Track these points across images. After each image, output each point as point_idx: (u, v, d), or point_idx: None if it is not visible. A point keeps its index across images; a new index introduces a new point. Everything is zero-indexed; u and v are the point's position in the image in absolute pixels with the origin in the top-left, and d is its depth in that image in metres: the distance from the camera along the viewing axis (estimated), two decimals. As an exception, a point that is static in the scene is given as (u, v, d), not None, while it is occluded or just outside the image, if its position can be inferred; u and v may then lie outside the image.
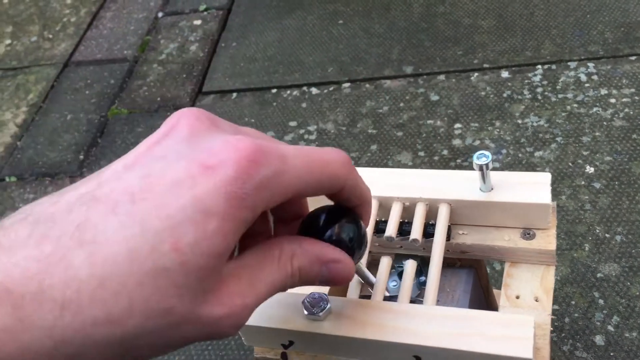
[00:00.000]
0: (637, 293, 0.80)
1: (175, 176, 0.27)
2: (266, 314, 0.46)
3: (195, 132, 0.29)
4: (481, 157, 0.47)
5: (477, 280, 0.57)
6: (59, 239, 0.25)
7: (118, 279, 0.25)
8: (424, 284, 0.53)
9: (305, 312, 0.44)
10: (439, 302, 0.53)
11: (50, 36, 1.64)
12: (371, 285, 0.46)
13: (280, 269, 0.31)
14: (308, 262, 0.32)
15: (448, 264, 0.56)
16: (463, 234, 0.51)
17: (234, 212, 0.27)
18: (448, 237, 0.50)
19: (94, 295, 0.25)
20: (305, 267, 0.32)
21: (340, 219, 0.35)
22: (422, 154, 1.06)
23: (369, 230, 0.51)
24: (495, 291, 0.65)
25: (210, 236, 0.26)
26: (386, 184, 0.52)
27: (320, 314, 0.43)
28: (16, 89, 1.50)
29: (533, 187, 0.48)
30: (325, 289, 0.51)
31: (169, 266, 0.26)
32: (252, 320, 0.46)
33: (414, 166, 1.05)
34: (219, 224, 0.26)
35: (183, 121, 0.30)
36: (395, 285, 0.53)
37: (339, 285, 0.35)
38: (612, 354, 0.75)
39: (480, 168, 0.47)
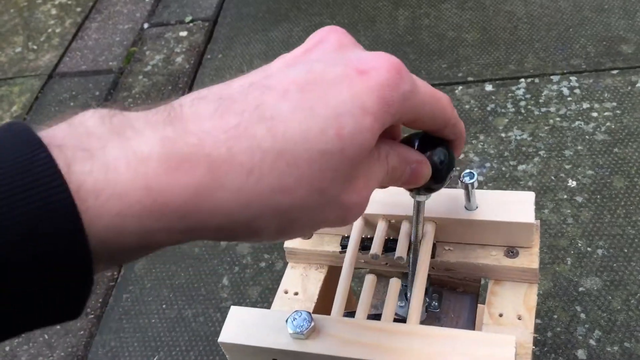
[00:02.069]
0: (619, 307, 0.81)
1: (334, 75, 0.30)
2: (250, 332, 0.46)
3: (343, 45, 0.33)
4: (467, 176, 0.48)
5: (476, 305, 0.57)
6: (242, 114, 0.28)
7: (293, 154, 0.28)
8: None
9: (290, 331, 0.44)
10: (442, 326, 0.53)
11: (35, 47, 1.63)
12: (417, 227, 0.48)
13: (381, 166, 0.34)
14: (399, 162, 0.35)
15: (450, 287, 0.56)
16: (448, 250, 0.51)
17: (382, 113, 0.30)
18: (433, 255, 0.51)
19: (274, 165, 0.28)
20: (397, 166, 0.35)
21: (437, 142, 0.38)
22: (407, 167, 1.07)
23: (354, 247, 0.51)
24: (479, 306, 0.66)
25: (364, 130, 0.29)
26: (372, 201, 0.52)
27: (304, 332, 0.43)
28: (0, 101, 1.49)
29: (517, 206, 0.49)
30: (309, 308, 0.51)
31: (332, 151, 0.29)
32: (237, 338, 0.46)
33: (399, 179, 1.05)
34: (371, 121, 0.29)
35: (331, 35, 0.33)
36: (401, 306, 0.53)
37: (416, 185, 0.38)
38: (594, 367, 0.76)
39: (466, 187, 0.48)
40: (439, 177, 0.39)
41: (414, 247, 0.49)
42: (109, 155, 0.25)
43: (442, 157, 0.38)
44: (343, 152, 0.29)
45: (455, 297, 0.56)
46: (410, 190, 0.42)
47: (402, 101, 0.31)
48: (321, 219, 0.31)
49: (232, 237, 0.30)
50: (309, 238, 0.55)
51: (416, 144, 0.38)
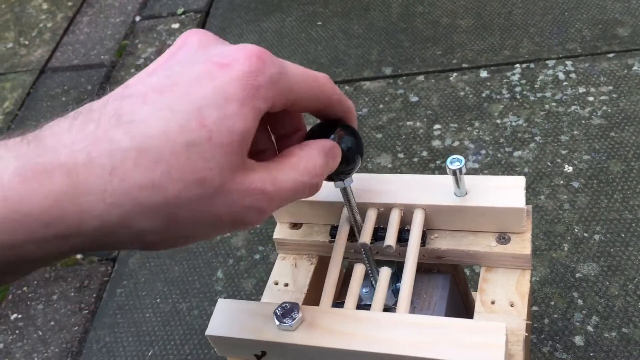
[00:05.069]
0: (616, 293, 0.80)
1: (195, 74, 0.31)
2: (238, 325, 0.45)
3: (205, 44, 0.33)
4: (454, 162, 0.47)
5: (454, 285, 0.57)
6: (99, 121, 0.29)
7: (156, 150, 0.28)
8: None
9: (277, 323, 0.43)
10: (415, 308, 0.53)
11: (26, 42, 1.62)
12: (352, 211, 0.48)
13: (299, 171, 0.35)
14: (321, 158, 0.37)
15: (425, 269, 0.55)
16: (437, 237, 0.50)
17: (250, 99, 0.30)
18: (423, 243, 0.50)
19: (137, 162, 0.28)
20: (320, 163, 0.36)
21: (338, 127, 0.40)
22: (401, 155, 1.06)
23: (344, 236, 0.50)
24: (474, 293, 0.65)
25: (231, 117, 0.30)
26: (361, 189, 0.51)
27: (292, 323, 0.43)
28: (-9, 96, 1.48)
29: (507, 191, 0.48)
30: (299, 299, 0.50)
31: (198, 141, 0.29)
32: (224, 331, 0.45)
33: (394, 168, 1.04)
34: (238, 107, 0.30)
35: (192, 37, 0.34)
36: (366, 292, 0.53)
37: (333, 170, 0.39)
38: (591, 354, 0.75)
39: (454, 173, 0.47)
40: (349, 158, 0.41)
41: (357, 232, 0.50)
42: None
43: (345, 139, 0.40)
44: (211, 140, 0.29)
45: (428, 277, 0.55)
46: (329, 179, 0.43)
47: (270, 84, 0.31)
48: (210, 214, 0.31)
49: (118, 243, 0.30)
50: (211, 240, 0.56)
51: (324, 131, 0.40)
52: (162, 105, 0.29)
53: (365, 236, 0.49)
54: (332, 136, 0.39)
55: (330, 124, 0.40)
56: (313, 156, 0.36)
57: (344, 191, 0.47)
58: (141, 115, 0.29)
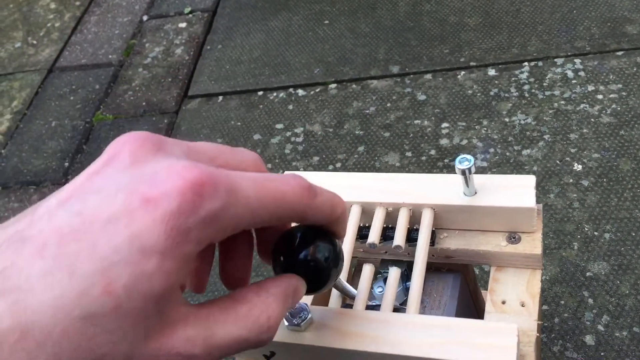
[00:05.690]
0: (627, 291, 0.79)
1: (111, 212, 0.25)
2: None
3: (139, 159, 0.27)
4: (463, 162, 0.46)
5: (464, 284, 0.56)
6: None
7: (42, 329, 0.23)
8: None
9: (286, 323, 0.43)
10: (425, 307, 0.53)
11: (35, 42, 1.63)
12: (353, 298, 0.45)
13: (247, 325, 0.29)
14: (279, 307, 0.30)
15: (435, 268, 0.55)
16: (446, 237, 0.50)
17: (175, 248, 0.25)
18: (432, 242, 0.49)
19: (17, 346, 0.23)
20: (276, 314, 0.30)
21: (313, 239, 0.33)
22: (409, 154, 1.05)
23: (351, 236, 0.50)
24: (483, 292, 0.64)
25: (147, 276, 0.24)
26: (369, 189, 0.51)
27: (301, 324, 0.42)
28: (0, 97, 1.49)
29: (517, 191, 0.48)
30: (307, 299, 0.50)
31: (101, 311, 0.24)
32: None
33: (402, 167, 1.04)
34: (158, 263, 0.24)
35: (126, 147, 0.27)
36: (381, 292, 0.53)
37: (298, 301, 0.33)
38: (602, 353, 0.75)
39: (463, 172, 0.46)
40: (320, 281, 0.34)
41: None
42: None
43: (326, 254, 0.33)
44: (118, 309, 0.24)
45: (439, 277, 0.55)
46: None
47: (205, 224, 0.25)
48: None
49: None
50: None
51: (295, 244, 0.33)
52: (61, 263, 0.24)
53: (374, 236, 0.49)
54: (303, 254, 0.33)
55: (303, 236, 0.33)
56: (269, 305, 0.30)
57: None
58: (32, 277, 0.24)
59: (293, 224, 0.34)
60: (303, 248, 0.33)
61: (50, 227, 0.25)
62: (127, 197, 0.25)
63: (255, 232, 0.35)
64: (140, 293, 0.24)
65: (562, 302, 0.80)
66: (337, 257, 0.35)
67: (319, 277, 0.34)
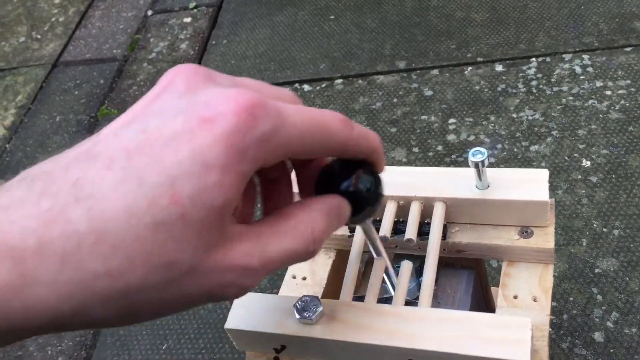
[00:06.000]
0: (636, 288, 0.79)
1: (173, 130, 0.26)
2: (258, 318, 0.44)
3: (193, 87, 0.29)
4: (477, 154, 0.46)
5: (477, 280, 0.56)
6: (56, 195, 0.25)
7: (116, 234, 0.25)
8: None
9: (297, 316, 0.42)
10: (439, 303, 0.52)
11: (39, 36, 1.62)
12: (376, 249, 0.44)
13: (296, 238, 0.31)
14: (324, 222, 0.32)
15: (447, 263, 0.55)
16: (457, 231, 0.50)
17: (234, 164, 0.26)
18: (444, 236, 0.49)
19: (93, 248, 0.25)
20: (322, 228, 0.32)
21: (354, 170, 0.34)
22: (416, 150, 1.05)
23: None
24: (492, 289, 0.64)
25: (210, 188, 0.26)
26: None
27: (312, 317, 0.42)
28: (4, 91, 1.48)
29: (530, 184, 0.47)
30: (317, 293, 0.49)
31: (168, 220, 0.25)
32: (244, 325, 0.44)
33: (408, 162, 1.03)
34: (218, 177, 0.26)
35: (180, 76, 0.29)
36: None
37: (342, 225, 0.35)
38: (611, 350, 0.74)
39: (476, 165, 0.46)
40: (362, 205, 0.35)
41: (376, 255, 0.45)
42: None
43: (368, 184, 0.34)
44: (184, 217, 0.25)
45: (453, 272, 0.54)
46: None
47: (260, 144, 0.27)
48: (179, 295, 0.27)
49: (66, 329, 0.27)
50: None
51: (336, 176, 0.34)
52: (130, 174, 0.25)
53: (385, 229, 0.48)
54: (346, 184, 0.34)
55: (343, 168, 0.35)
56: (314, 219, 0.32)
57: (363, 228, 0.42)
58: (104, 187, 0.25)
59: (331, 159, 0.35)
60: (347, 176, 0.34)
61: (116, 144, 0.26)
62: (186, 118, 0.26)
63: (296, 170, 0.36)
64: (204, 204, 0.26)
65: (571, 298, 0.80)
66: (378, 187, 0.36)
67: (362, 202, 0.35)
